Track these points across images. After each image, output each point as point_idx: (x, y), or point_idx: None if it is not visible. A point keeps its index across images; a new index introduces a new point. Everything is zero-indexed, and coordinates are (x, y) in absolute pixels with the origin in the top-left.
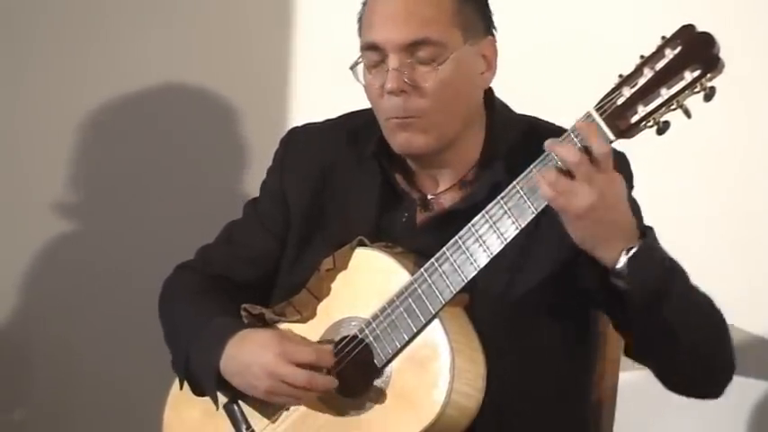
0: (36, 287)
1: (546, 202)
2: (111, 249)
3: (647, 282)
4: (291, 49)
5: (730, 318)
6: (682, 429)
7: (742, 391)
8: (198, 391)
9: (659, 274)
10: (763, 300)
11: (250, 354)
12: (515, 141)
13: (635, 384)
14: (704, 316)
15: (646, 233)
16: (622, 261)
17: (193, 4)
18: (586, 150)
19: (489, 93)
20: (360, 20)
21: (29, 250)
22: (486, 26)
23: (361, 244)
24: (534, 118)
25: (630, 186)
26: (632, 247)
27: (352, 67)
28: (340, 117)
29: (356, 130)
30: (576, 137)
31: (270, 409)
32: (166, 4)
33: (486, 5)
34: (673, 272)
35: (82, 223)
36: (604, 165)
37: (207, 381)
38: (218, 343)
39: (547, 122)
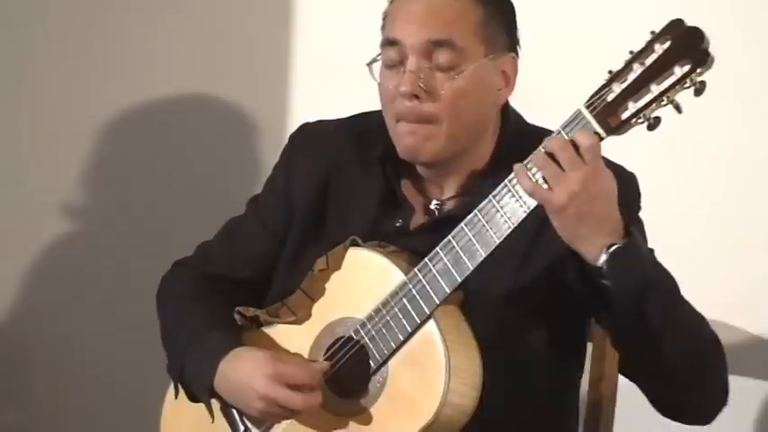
0: (34, 287)
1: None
2: (109, 249)
3: (628, 281)
4: (291, 49)
5: (730, 318)
6: (681, 429)
7: (742, 391)
8: (192, 399)
9: (641, 276)
10: (763, 300)
11: (243, 374)
12: (524, 152)
13: (635, 385)
14: (692, 331)
15: (631, 233)
16: (602, 258)
17: (193, 4)
18: (573, 143)
19: (505, 103)
20: (384, 17)
21: (27, 250)
22: (510, 43)
23: (354, 244)
24: (547, 130)
25: (638, 208)
26: (614, 244)
27: (370, 64)
28: (352, 117)
29: (366, 131)
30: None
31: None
32: (166, 5)
33: (514, 22)
34: (659, 278)
35: (80, 223)
36: (589, 156)
37: (201, 394)
38: (212, 359)
39: None
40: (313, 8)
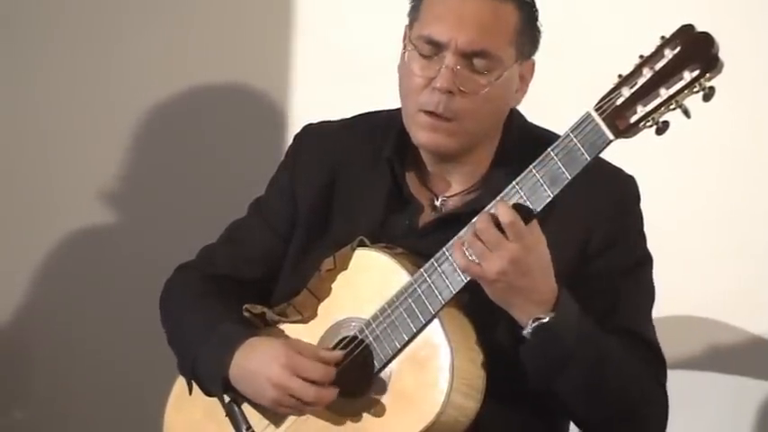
0: (37, 287)
1: (543, 203)
2: (111, 249)
3: (541, 361)
4: (291, 49)
5: (730, 318)
6: (681, 429)
7: (742, 391)
8: (208, 392)
9: (558, 356)
10: (763, 300)
11: (258, 363)
12: (526, 151)
13: None
14: (611, 394)
15: (558, 306)
16: (528, 329)
17: (194, 4)
18: (496, 219)
19: None
20: (418, 4)
21: (29, 250)
22: (533, 48)
23: (362, 244)
24: (547, 130)
25: (636, 210)
26: (540, 319)
27: (405, 51)
28: (355, 117)
29: (371, 131)
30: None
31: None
32: (166, 5)
33: (539, 29)
34: (580, 350)
35: (82, 223)
36: (511, 233)
37: (214, 387)
38: (226, 350)
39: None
40: (313, 8)
